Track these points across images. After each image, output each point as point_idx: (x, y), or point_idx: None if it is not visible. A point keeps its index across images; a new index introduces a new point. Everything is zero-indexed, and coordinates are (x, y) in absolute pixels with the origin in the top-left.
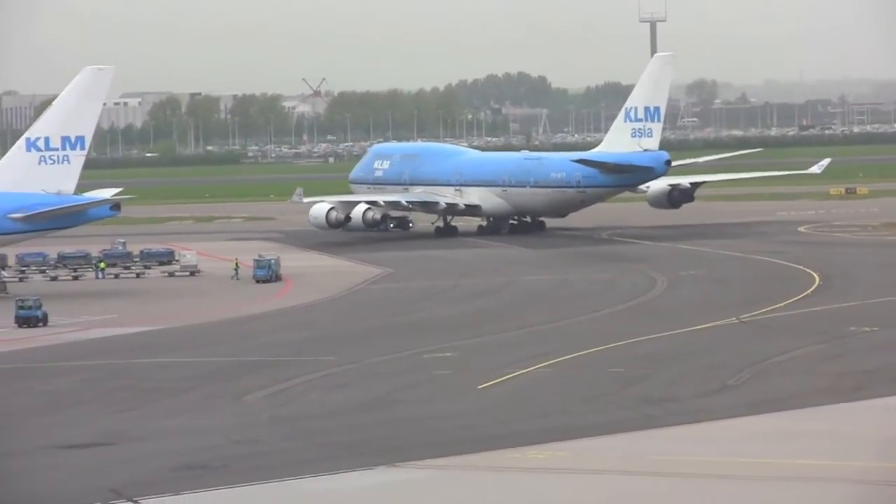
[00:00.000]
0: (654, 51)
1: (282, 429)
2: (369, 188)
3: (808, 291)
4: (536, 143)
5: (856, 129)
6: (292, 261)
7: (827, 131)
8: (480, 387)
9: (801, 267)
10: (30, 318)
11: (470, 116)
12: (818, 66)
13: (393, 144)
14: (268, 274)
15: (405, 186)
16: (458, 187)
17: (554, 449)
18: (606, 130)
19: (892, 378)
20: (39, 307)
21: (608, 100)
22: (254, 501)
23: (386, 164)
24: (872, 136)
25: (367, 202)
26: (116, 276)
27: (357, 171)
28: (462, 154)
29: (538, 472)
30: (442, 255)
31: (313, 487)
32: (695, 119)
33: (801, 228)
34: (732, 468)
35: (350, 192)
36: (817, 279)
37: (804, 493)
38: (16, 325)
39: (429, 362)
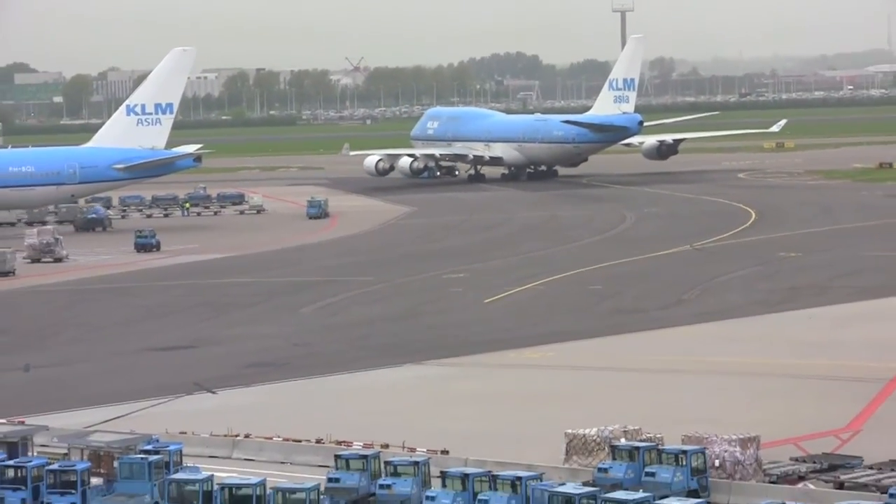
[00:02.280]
0: (624, 34)
1: (330, 334)
2: (423, 143)
3: (747, 225)
4: (531, 108)
5: (783, 96)
6: (338, 202)
7: (761, 98)
8: (487, 301)
9: (741, 205)
10: (146, 245)
11: (478, 87)
12: (754, 46)
13: (441, 109)
14: (318, 212)
15: (449, 142)
16: (486, 143)
17: (545, 350)
18: (587, 98)
19: (813, 293)
20: (154, 236)
21: (588, 73)
22: (308, 392)
23: (436, 125)
24: (797, 102)
25: (409, 154)
26: (198, 213)
27: (415, 130)
28: (491, 116)
29: (532, 368)
30: (458, 196)
31: (355, 380)
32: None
33: (741, 175)
34: (686, 364)
35: (410, 147)
36: (754, 215)
37: (742, 383)
38: (135, 251)
39: (445, 282)
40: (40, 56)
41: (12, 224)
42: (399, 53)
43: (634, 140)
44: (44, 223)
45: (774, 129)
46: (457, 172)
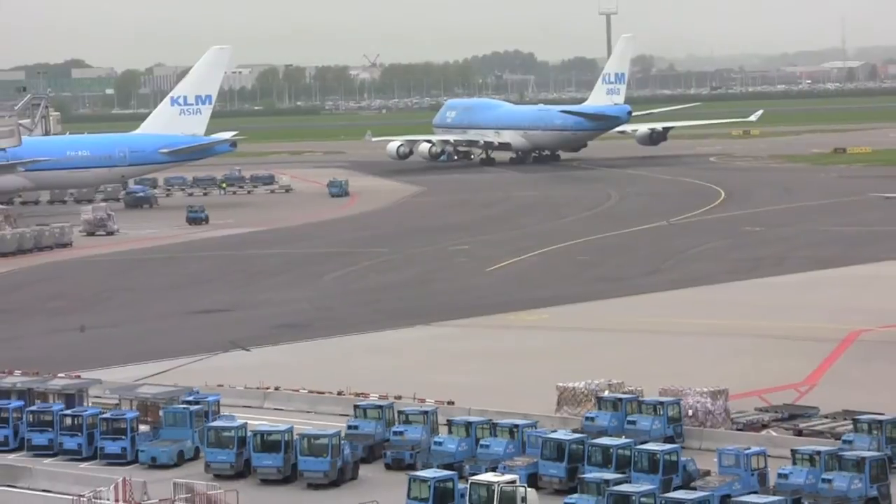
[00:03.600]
0: (609, 35)
1: (349, 299)
2: (443, 130)
3: (716, 203)
4: (527, 99)
5: (749, 89)
6: (357, 182)
7: (730, 91)
8: (488, 269)
9: (712, 185)
10: (197, 219)
11: (480, 81)
12: (725, 45)
13: (458, 100)
14: (339, 191)
15: (465, 129)
16: (497, 130)
17: (539, 313)
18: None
19: (774, 263)
20: (203, 211)
21: (577, 69)
22: (330, 350)
23: (454, 114)
24: (761, 94)
25: (427, 140)
26: (234, 192)
27: (436, 118)
28: (500, 107)
29: (528, 329)
30: (464, 178)
31: (372, 340)
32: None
33: (712, 159)
34: (663, 326)
35: (431, 133)
36: (723, 194)
37: (713, 342)
38: (187, 224)
39: (451, 253)
40: (94, 53)
41: (63, 202)
42: (411, 51)
43: (628, 128)
44: (90, 201)
45: (753, 118)
46: (472, 157)
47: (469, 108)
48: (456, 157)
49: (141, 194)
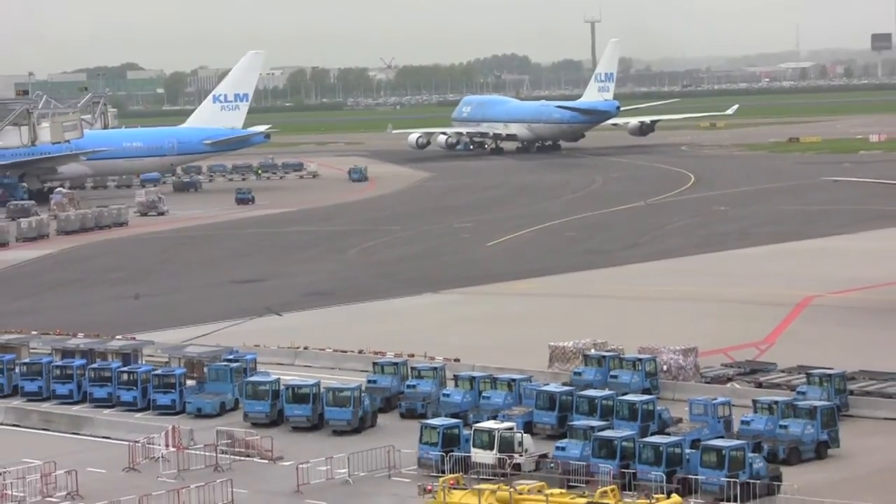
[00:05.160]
0: (594, 40)
1: (368, 270)
2: (460, 123)
3: (687, 186)
4: (523, 96)
5: (715, 87)
6: (375, 168)
7: (699, 88)
8: (488, 244)
9: (683, 171)
10: (244, 199)
11: (482, 80)
12: (694, 48)
13: (473, 96)
14: (359, 177)
15: (478, 122)
16: (505, 123)
17: (532, 282)
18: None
19: (737, 238)
20: (250, 192)
21: (566, 70)
22: (352, 314)
23: (469, 109)
24: (725, 91)
25: (442, 132)
26: (268, 178)
27: (455, 113)
28: (508, 103)
29: (523, 296)
30: (469, 164)
31: (388, 305)
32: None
33: (683, 147)
34: (641, 293)
35: (450, 125)
36: (692, 178)
37: (684, 306)
38: (236, 204)
39: (456, 230)
40: (146, 57)
41: (105, 187)
42: (422, 55)
43: (620, 121)
44: (128, 186)
45: (729, 112)
46: (486, 146)
47: (482, 104)
48: (471, 147)
49: (187, 180)
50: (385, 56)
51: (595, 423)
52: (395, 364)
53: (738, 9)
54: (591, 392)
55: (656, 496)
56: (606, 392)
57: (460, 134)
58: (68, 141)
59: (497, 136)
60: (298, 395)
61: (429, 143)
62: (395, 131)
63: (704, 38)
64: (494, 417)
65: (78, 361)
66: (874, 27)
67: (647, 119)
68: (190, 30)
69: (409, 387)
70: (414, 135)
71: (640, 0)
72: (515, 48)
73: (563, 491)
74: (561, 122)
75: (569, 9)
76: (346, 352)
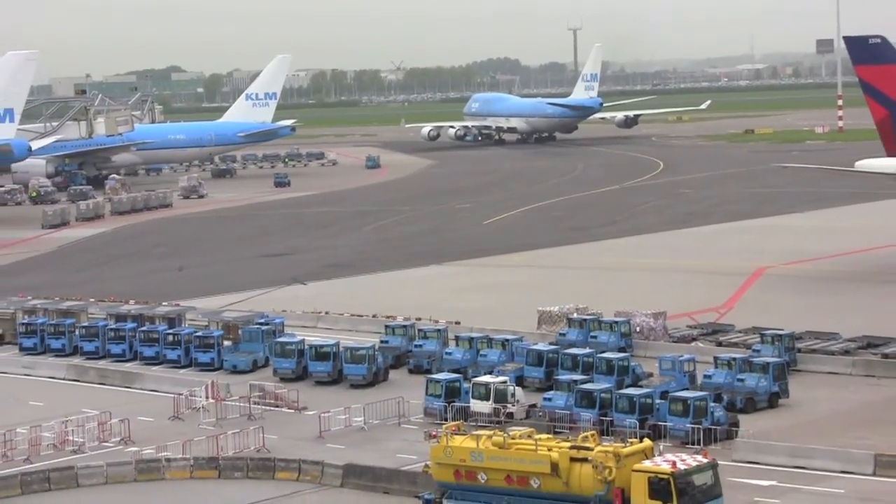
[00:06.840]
0: (576, 45)
1: (381, 245)
2: (469, 117)
3: (657, 171)
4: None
5: (681, 86)
6: (386, 157)
7: (666, 87)
8: (485, 223)
9: (654, 158)
10: (282, 183)
11: (479, 81)
12: (662, 51)
13: (481, 94)
14: (373, 164)
15: (485, 116)
16: (507, 117)
17: (523, 256)
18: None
19: (700, 217)
20: (286, 177)
21: (552, 71)
22: (367, 283)
23: (477, 105)
24: (690, 90)
25: (451, 125)
26: (294, 165)
27: (466, 108)
28: (510, 99)
29: (515, 267)
30: (468, 153)
31: (398, 276)
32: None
33: (653, 138)
34: (618, 264)
35: (460, 119)
36: (662, 165)
37: (655, 276)
38: (274, 187)
39: (457, 210)
40: (188, 61)
41: (136, 174)
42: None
43: (608, 115)
44: (158, 172)
45: (703, 106)
46: (494, 137)
47: (487, 101)
48: (480, 138)
49: (222, 167)
50: (395, 59)
51: (577, 377)
52: (405, 326)
53: (702, 18)
54: (574, 350)
55: (630, 440)
56: (587, 350)
57: (467, 127)
58: (121, 134)
59: (500, 129)
60: (320, 354)
61: (439, 135)
62: (407, 125)
63: (672, 43)
64: (490, 373)
65: (129, 325)
66: (819, 34)
67: (631, 113)
68: (226, 38)
69: (416, 346)
70: (426, 128)
71: (616, 10)
72: (508, 52)
73: (550, 436)
74: (553, 117)
75: (554, 18)
76: (361, 316)
